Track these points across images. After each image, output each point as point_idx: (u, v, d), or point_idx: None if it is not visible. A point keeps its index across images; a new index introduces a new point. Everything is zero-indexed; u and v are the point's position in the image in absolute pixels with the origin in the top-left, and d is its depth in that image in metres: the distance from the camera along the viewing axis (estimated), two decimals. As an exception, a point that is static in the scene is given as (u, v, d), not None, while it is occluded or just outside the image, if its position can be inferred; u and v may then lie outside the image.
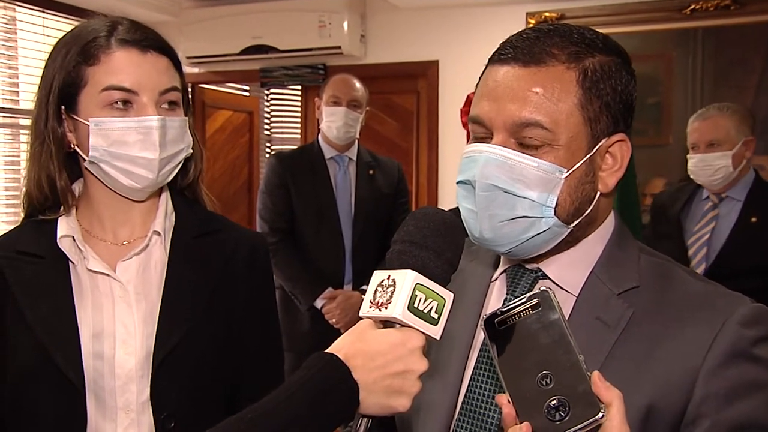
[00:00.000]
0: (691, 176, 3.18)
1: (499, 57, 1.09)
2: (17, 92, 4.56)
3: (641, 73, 1.13)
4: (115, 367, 1.35)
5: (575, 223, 1.09)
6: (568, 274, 1.12)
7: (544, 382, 0.89)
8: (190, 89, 1.49)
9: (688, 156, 3.18)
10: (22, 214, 1.46)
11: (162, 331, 1.36)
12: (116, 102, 1.33)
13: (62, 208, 1.40)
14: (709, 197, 3.18)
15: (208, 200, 1.55)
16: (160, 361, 1.35)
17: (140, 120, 1.33)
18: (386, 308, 0.93)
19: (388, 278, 0.95)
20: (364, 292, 3.40)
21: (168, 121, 1.36)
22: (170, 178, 1.42)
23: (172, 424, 1.35)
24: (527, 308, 0.92)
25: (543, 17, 4.46)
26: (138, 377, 1.35)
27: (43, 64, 1.40)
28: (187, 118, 1.43)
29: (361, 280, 3.50)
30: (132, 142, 1.33)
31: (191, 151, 1.45)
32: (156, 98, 1.35)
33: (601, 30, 1.14)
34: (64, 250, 1.37)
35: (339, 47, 4.85)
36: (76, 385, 1.32)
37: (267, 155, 6.33)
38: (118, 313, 1.37)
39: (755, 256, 2.97)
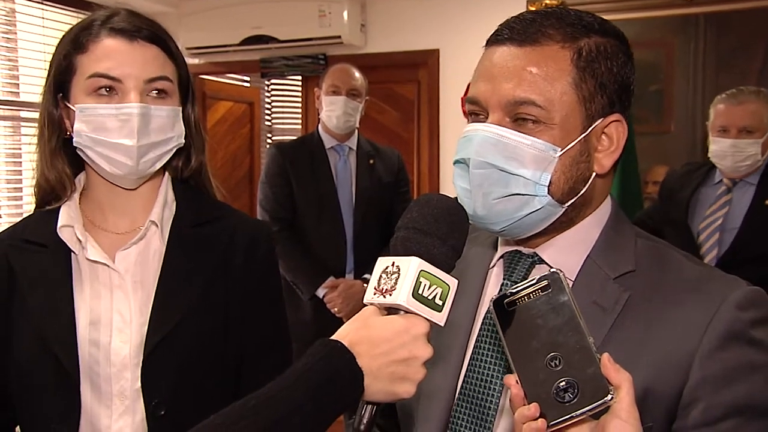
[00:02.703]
0: (714, 159, 3.08)
1: (495, 38, 1.11)
2: (17, 84, 4.55)
3: (642, 61, 1.14)
4: (110, 354, 1.37)
5: (570, 202, 1.09)
6: (564, 259, 1.12)
7: (553, 364, 0.89)
8: (190, 80, 1.50)
9: (711, 138, 3.07)
10: (33, 205, 1.49)
11: (154, 320, 1.38)
12: (100, 88, 1.35)
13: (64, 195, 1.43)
14: (722, 181, 3.11)
15: (216, 190, 1.56)
16: (151, 349, 1.36)
17: (120, 107, 1.35)
18: (391, 295, 0.93)
19: (393, 265, 0.94)
20: (365, 281, 3.42)
21: (154, 109, 1.37)
22: (156, 167, 1.42)
23: (162, 412, 1.36)
24: (537, 290, 0.92)
25: (544, 4, 4.44)
26: (132, 365, 1.37)
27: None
28: (179, 107, 1.43)
29: (362, 269, 3.51)
30: (112, 129, 1.35)
31: (183, 141, 1.45)
32: (141, 87, 1.36)
33: (603, 16, 1.14)
34: (64, 240, 1.39)
35: (339, 37, 4.83)
36: (70, 371, 1.34)
37: (268, 146, 6.32)
38: (115, 302, 1.39)
39: None
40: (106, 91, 1.35)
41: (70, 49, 1.37)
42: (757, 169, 3.04)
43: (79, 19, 1.46)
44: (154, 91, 1.38)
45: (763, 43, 4.13)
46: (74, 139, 1.37)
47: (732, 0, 4.12)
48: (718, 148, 3.04)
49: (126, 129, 1.34)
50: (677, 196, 3.25)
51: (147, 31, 1.39)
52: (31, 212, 1.50)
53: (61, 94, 1.39)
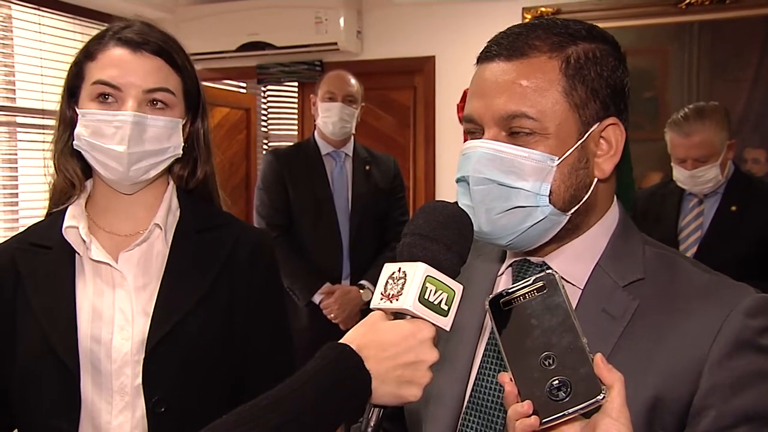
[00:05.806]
0: (679, 183, 3.16)
1: (485, 55, 1.12)
2: (14, 90, 4.54)
3: (637, 68, 1.15)
4: (111, 351, 1.40)
5: (573, 210, 1.10)
6: (573, 267, 1.13)
7: (546, 363, 0.91)
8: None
9: (673, 164, 3.14)
10: (34, 210, 1.55)
11: (156, 318, 1.41)
12: (101, 95, 1.41)
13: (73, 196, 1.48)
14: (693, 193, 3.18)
15: (222, 201, 1.60)
16: (152, 346, 1.40)
17: (115, 114, 1.40)
18: (397, 300, 0.94)
19: (399, 270, 0.96)
20: (362, 287, 3.43)
21: (150, 119, 1.42)
22: (150, 174, 1.46)
23: (163, 409, 1.39)
24: (532, 290, 0.94)
25: (539, 12, 4.46)
26: (133, 362, 1.40)
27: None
28: (180, 120, 1.48)
29: (358, 275, 3.52)
30: (107, 134, 1.40)
31: (180, 152, 1.49)
32: (140, 96, 1.41)
33: (597, 24, 1.15)
34: (68, 240, 1.43)
35: (335, 43, 4.84)
36: (71, 367, 1.37)
37: (264, 152, 6.33)
38: (117, 301, 1.43)
39: (736, 243, 2.99)
40: (106, 98, 1.41)
41: (82, 57, 1.44)
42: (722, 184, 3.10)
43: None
44: (154, 102, 1.43)
45: (756, 50, 4.16)
46: (74, 142, 1.43)
47: (726, 8, 4.15)
48: (679, 175, 3.12)
49: (118, 136, 1.39)
50: (660, 216, 3.27)
51: (154, 43, 1.44)
52: (43, 216, 1.55)
53: (73, 99, 1.46)
